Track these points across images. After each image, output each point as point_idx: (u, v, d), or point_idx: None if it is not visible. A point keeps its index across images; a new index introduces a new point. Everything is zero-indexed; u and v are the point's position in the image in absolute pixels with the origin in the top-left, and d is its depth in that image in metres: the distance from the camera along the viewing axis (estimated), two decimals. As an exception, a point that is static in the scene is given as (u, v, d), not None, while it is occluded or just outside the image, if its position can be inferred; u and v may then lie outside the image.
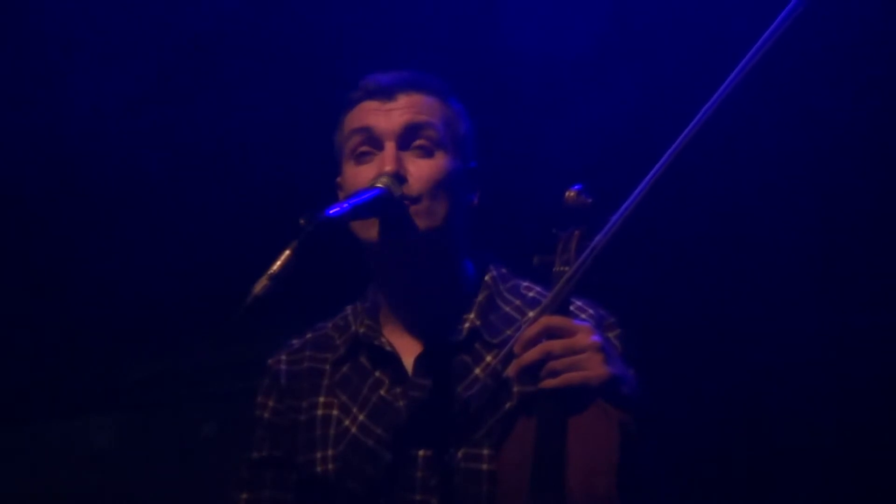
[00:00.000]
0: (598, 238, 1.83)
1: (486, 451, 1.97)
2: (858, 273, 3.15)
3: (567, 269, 1.89)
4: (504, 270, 2.19)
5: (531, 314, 2.07)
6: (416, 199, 2.01)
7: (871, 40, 2.93)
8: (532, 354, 1.83)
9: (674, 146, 1.77)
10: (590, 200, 1.95)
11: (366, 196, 1.95)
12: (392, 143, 2.04)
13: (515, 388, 2.00)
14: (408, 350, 2.08)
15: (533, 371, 1.84)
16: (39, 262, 3.57)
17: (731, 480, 3.22)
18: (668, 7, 3.07)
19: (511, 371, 1.87)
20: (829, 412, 3.17)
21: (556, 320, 1.86)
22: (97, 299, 3.56)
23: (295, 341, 2.23)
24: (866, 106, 3.03)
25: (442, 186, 2.04)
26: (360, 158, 2.08)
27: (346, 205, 1.89)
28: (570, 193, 1.96)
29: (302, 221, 1.80)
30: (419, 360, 2.06)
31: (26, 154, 3.45)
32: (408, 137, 2.06)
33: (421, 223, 2.01)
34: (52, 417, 3.69)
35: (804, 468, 3.17)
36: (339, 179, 2.16)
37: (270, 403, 2.17)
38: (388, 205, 1.98)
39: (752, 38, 1.72)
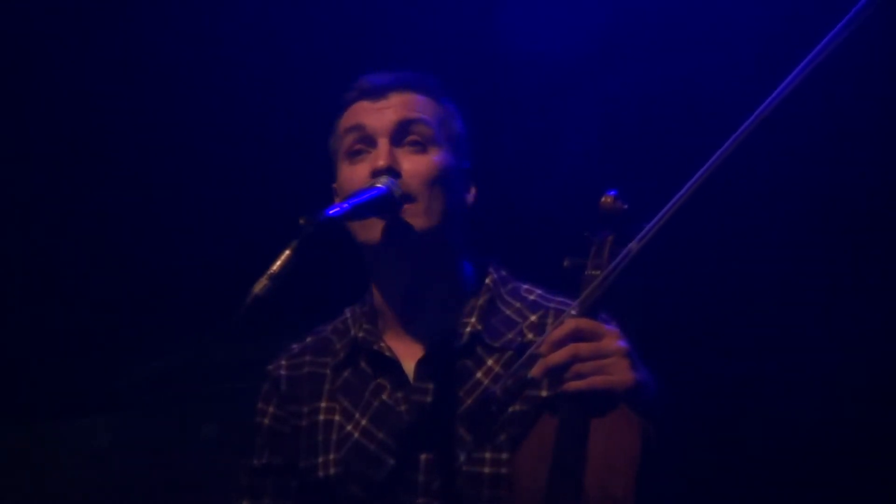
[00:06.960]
0: (632, 244, 1.83)
1: (488, 455, 1.98)
2: (860, 273, 3.14)
3: (599, 272, 1.89)
4: (504, 273, 2.18)
5: (532, 318, 2.07)
6: (412, 198, 2.00)
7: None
8: (559, 355, 1.81)
9: (713, 159, 1.74)
10: (625, 206, 1.95)
11: (366, 196, 1.94)
12: (385, 139, 2.04)
13: (520, 393, 2.00)
14: (408, 354, 2.08)
15: (558, 372, 1.82)
16: (39, 262, 3.57)
17: (733, 482, 3.21)
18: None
19: (536, 371, 1.85)
20: (829, 413, 3.16)
21: (585, 323, 1.84)
22: (97, 299, 3.56)
23: (295, 346, 2.22)
24: (874, 108, 3.01)
25: (437, 182, 2.04)
26: (354, 157, 2.07)
27: (346, 204, 1.89)
28: (606, 199, 1.96)
29: (302, 221, 1.79)
30: (420, 365, 2.06)
31: (24, 154, 3.44)
32: (400, 133, 2.06)
33: (419, 222, 2.01)
34: (52, 417, 3.68)
35: (804, 469, 3.17)
36: (335, 185, 2.15)
37: (271, 410, 2.16)
38: (389, 205, 1.97)
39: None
